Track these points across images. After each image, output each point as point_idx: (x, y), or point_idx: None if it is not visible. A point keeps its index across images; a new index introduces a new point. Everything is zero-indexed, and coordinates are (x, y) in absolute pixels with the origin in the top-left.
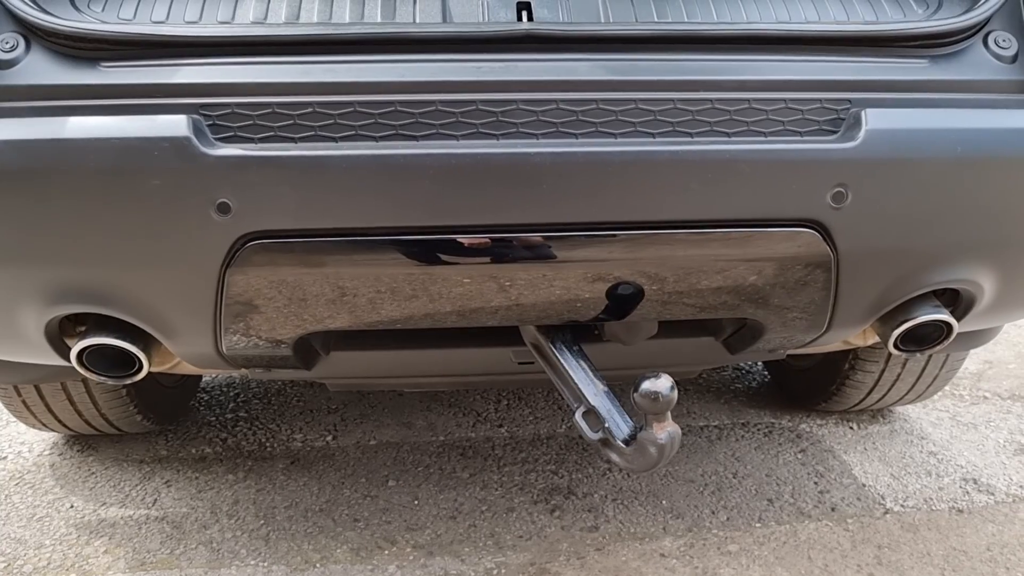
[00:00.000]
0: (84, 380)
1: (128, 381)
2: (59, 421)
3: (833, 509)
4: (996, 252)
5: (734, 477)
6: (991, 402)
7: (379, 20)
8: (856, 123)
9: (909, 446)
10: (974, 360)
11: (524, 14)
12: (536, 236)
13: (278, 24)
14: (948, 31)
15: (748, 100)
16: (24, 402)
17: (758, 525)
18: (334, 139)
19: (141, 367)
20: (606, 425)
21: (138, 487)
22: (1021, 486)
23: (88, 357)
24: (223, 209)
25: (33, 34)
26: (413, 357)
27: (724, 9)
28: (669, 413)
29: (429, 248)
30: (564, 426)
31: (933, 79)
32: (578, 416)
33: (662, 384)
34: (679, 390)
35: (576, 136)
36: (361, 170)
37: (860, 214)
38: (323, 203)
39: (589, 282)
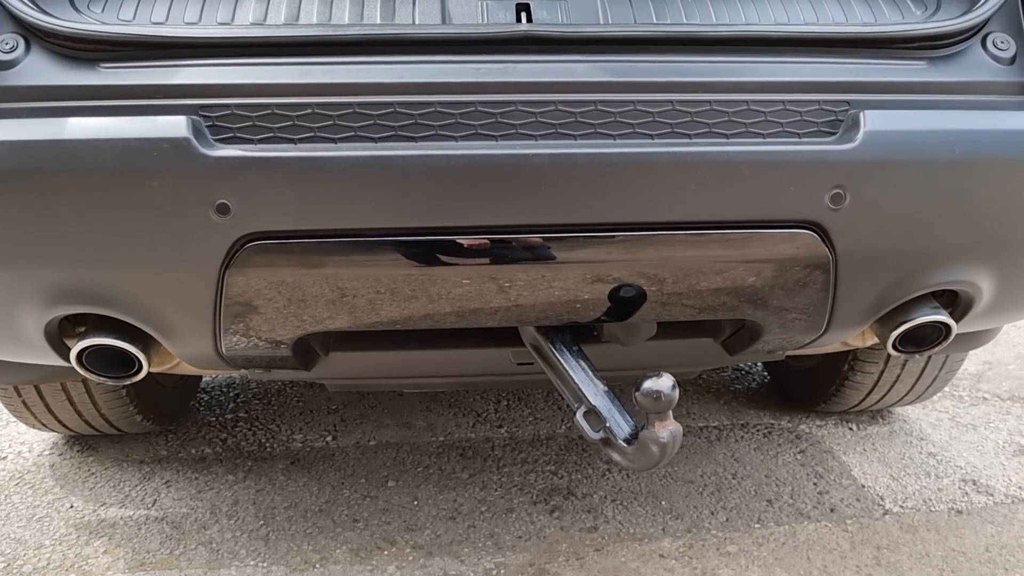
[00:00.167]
0: (84, 380)
1: (128, 382)
2: (59, 421)
3: (832, 510)
4: (994, 254)
5: (733, 478)
6: (990, 403)
7: (378, 21)
8: (854, 125)
9: (908, 447)
10: (973, 361)
11: (523, 15)
12: (535, 237)
13: (277, 25)
14: (947, 33)
15: (747, 102)
16: (24, 402)
17: (757, 526)
18: (333, 140)
19: (141, 368)
20: (607, 425)
21: (138, 487)
22: (1020, 487)
23: (88, 358)
24: (222, 210)
25: (33, 35)
26: (412, 358)
27: (723, 11)
28: (671, 412)
29: (428, 249)
30: (564, 427)
31: (931, 81)
32: (579, 416)
33: (664, 383)
34: (678, 390)
35: (575, 137)
36: (360, 171)
37: (858, 215)
38: (322, 204)
39: (588, 283)
